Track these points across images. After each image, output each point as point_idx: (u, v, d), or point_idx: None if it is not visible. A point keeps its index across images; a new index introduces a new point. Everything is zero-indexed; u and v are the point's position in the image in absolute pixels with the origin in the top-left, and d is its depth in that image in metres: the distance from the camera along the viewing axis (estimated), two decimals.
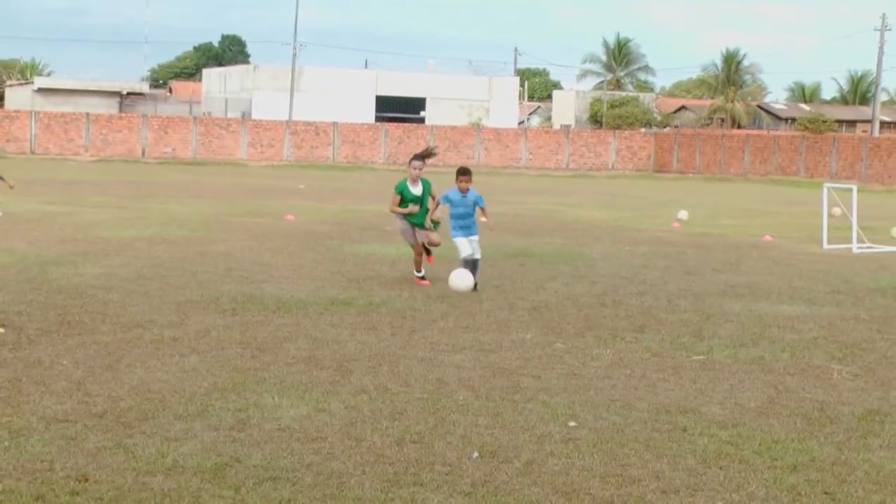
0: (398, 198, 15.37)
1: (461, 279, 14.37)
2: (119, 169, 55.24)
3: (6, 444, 7.22)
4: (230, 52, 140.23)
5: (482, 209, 15.48)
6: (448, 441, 7.66)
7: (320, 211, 29.71)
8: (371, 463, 7.11)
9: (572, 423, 8.22)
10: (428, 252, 15.76)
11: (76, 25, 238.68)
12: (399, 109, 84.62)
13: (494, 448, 7.52)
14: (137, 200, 31.43)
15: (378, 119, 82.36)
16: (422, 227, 15.42)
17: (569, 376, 9.91)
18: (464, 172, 15.24)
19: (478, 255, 15.15)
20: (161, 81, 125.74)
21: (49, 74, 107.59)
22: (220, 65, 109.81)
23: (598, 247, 21.53)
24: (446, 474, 6.92)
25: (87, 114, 73.29)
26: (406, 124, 77.59)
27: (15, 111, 75.52)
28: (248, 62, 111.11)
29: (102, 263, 16.72)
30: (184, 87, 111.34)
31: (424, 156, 15.56)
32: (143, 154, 70.50)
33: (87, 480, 6.53)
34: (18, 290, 13.74)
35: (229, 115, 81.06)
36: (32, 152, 69.77)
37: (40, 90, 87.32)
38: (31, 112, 73.43)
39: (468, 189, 15.16)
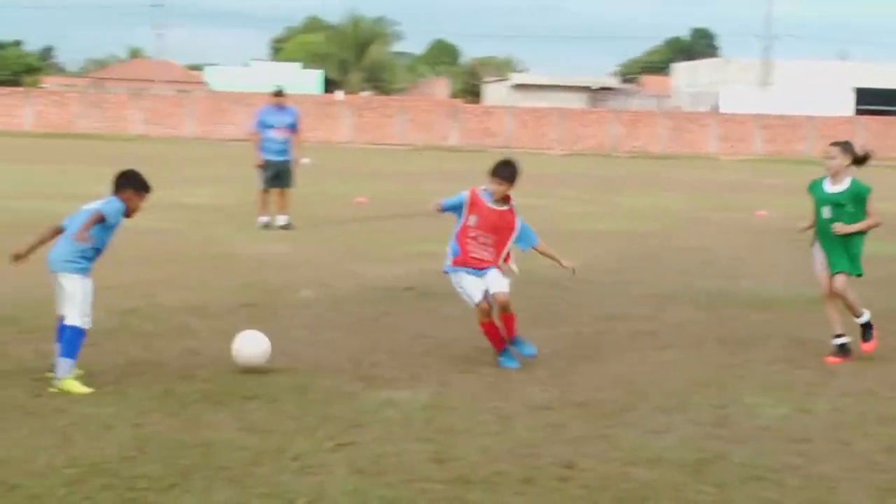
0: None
1: None
2: (589, 163, 56.32)
3: (496, 428, 7.52)
4: (699, 45, 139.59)
5: None
6: None
7: (795, 206, 28.91)
8: (861, 469, 6.82)
9: None
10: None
11: (550, 22, 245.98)
12: (881, 102, 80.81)
13: None
14: (607, 194, 31.92)
15: (859, 112, 79.11)
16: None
17: None
18: None
19: None
20: (631, 76, 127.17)
21: (524, 71, 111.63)
22: (689, 58, 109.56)
23: None
24: None
25: (559, 109, 75.39)
26: (885, 117, 74.13)
27: (493, 107, 78.95)
28: (717, 55, 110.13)
29: (576, 255, 17.08)
30: (653, 82, 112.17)
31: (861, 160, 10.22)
32: (612, 148, 71.64)
33: (572, 468, 6.68)
34: None
35: (698, 110, 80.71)
36: (509, 147, 72.56)
37: (516, 86, 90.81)
38: (507, 108, 76.47)
39: None
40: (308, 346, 9.94)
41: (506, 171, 9.41)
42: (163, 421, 7.37)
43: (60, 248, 8.21)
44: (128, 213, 8.41)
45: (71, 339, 8.17)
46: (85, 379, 8.23)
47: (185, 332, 10.33)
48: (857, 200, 10.06)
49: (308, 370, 8.99)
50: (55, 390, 8.03)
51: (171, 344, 9.76)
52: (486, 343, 9.95)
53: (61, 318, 8.28)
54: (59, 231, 8.32)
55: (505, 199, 9.43)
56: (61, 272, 8.20)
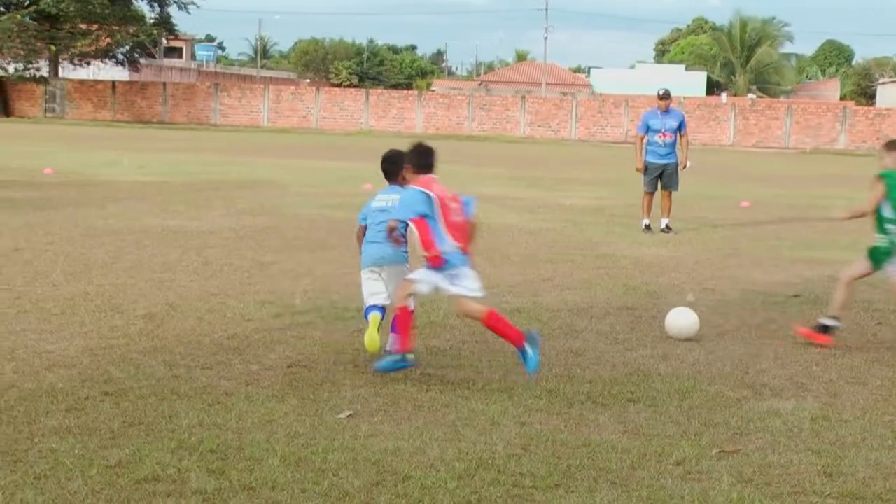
0: None
1: None
2: None
3: (890, 442, 7.18)
4: None
5: None
6: None
7: None
8: None
9: None
10: None
11: None
12: None
13: None
14: None
15: None
16: None
17: None
18: None
19: None
20: None
21: None
22: None
23: None
24: None
25: None
26: None
27: (887, 109, 75.51)
28: None
29: None
30: None
31: None
32: None
33: None
34: None
35: None
36: None
37: None
38: None
39: None
40: (690, 350, 9.83)
41: None
42: (547, 420, 7.48)
43: (390, 248, 8.91)
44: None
45: None
46: (461, 374, 8.55)
47: (569, 332, 10.45)
48: None
49: (691, 374, 8.89)
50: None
51: (556, 343, 9.89)
52: (881, 354, 9.66)
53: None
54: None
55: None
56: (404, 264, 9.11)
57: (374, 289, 9.13)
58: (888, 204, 10.06)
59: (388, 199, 9.13)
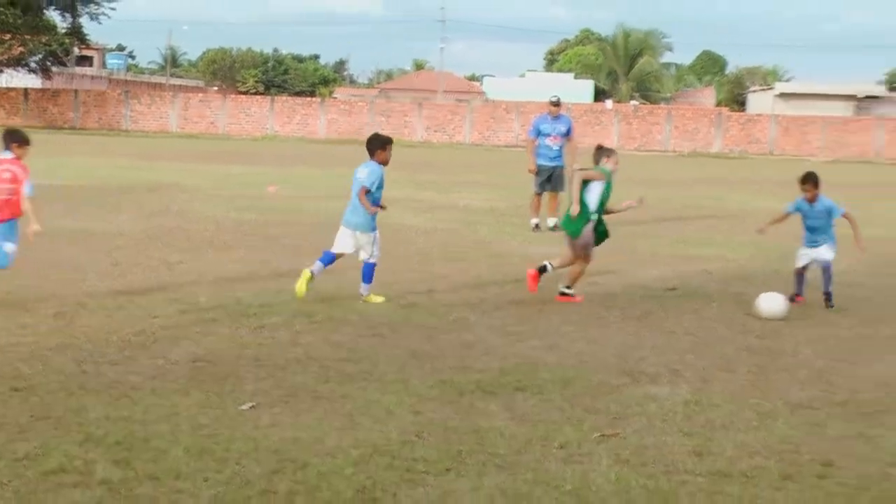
0: None
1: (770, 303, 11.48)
2: (851, 170, 54.12)
3: (755, 424, 7.34)
4: None
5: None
6: None
7: None
8: None
9: None
10: None
11: (817, 33, 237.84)
12: None
13: None
14: (869, 201, 30.65)
15: None
16: None
17: None
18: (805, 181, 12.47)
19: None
20: None
21: (789, 80, 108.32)
22: None
23: None
24: None
25: (823, 117, 72.89)
26: None
27: (757, 115, 77.00)
28: None
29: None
30: None
31: None
32: (876, 156, 68.72)
33: (831, 466, 6.45)
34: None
35: None
36: (771, 153, 70.71)
37: (781, 95, 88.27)
38: (771, 116, 74.45)
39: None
40: (575, 341, 9.94)
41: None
42: (440, 409, 7.51)
43: (361, 216, 11.41)
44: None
45: (370, 271, 11.50)
46: (359, 367, 8.53)
47: (462, 325, 10.50)
48: None
49: (575, 364, 8.99)
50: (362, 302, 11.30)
51: (450, 337, 9.93)
52: (750, 342, 9.85)
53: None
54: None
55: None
56: (363, 231, 11.48)
57: (341, 242, 11.56)
58: None
59: (359, 172, 11.51)
